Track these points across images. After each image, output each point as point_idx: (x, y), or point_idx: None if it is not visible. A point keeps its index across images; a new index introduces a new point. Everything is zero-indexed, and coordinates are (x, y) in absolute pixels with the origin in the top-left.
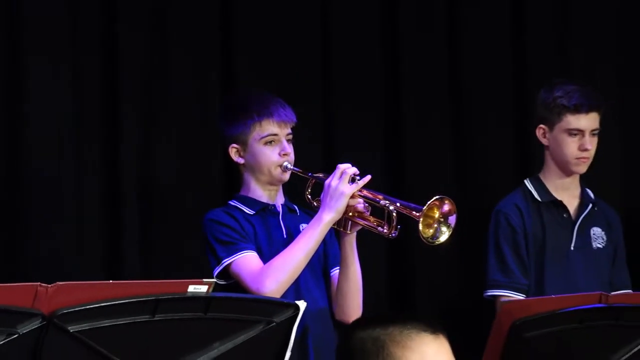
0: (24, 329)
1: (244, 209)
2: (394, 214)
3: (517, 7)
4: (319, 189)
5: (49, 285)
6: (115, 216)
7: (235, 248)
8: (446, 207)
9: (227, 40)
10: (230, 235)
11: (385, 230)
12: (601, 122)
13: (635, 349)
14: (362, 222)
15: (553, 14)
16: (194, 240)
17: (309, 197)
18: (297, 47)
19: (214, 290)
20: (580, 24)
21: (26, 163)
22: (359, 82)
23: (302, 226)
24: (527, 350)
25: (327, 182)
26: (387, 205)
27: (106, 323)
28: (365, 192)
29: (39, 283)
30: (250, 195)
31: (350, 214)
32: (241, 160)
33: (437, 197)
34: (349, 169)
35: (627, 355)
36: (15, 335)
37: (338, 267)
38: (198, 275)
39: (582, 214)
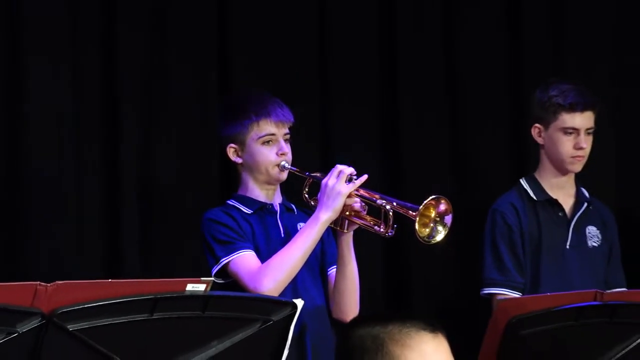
0: (24, 327)
1: (242, 209)
2: (391, 213)
3: (513, 7)
4: (316, 188)
5: (49, 284)
6: (115, 216)
7: (233, 247)
8: (442, 207)
9: (224, 41)
10: (229, 234)
11: (381, 230)
12: (596, 121)
13: (630, 346)
14: (358, 221)
15: (548, 15)
16: (193, 240)
17: (307, 196)
18: (294, 48)
19: (212, 289)
20: (575, 24)
21: (26, 163)
22: (355, 82)
23: (300, 225)
24: (523, 348)
25: (324, 181)
26: (384, 204)
27: (105, 322)
28: (362, 192)
29: (38, 282)
30: (248, 194)
31: (347, 213)
32: (239, 160)
33: (433, 196)
34: (346, 168)
35: (622, 353)
36: (15, 334)
37: (335, 266)
38: (197, 274)
39: (577, 213)
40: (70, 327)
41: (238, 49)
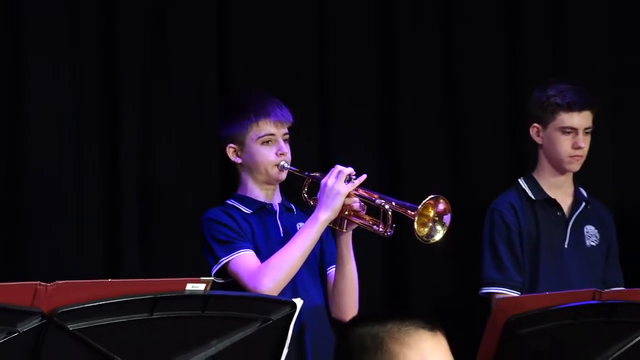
0: (24, 327)
1: (241, 208)
2: (390, 213)
3: (511, 7)
4: (315, 188)
5: (49, 284)
6: (115, 216)
7: (233, 247)
8: (441, 206)
9: (224, 41)
10: (228, 234)
11: (380, 229)
12: (594, 121)
13: (628, 345)
14: (358, 220)
15: (547, 15)
16: (193, 240)
17: (306, 196)
18: (294, 48)
19: (211, 289)
20: (573, 24)
21: (26, 163)
22: (355, 83)
23: (299, 225)
24: (521, 347)
25: (323, 181)
26: (383, 204)
27: (105, 321)
28: (361, 191)
29: (38, 282)
30: (248, 194)
31: (346, 212)
32: (238, 160)
33: (432, 196)
34: (345, 168)
35: (620, 352)
36: (15, 334)
37: (334, 266)
38: (197, 274)
39: (575, 212)
40: (70, 327)
41: (238, 49)
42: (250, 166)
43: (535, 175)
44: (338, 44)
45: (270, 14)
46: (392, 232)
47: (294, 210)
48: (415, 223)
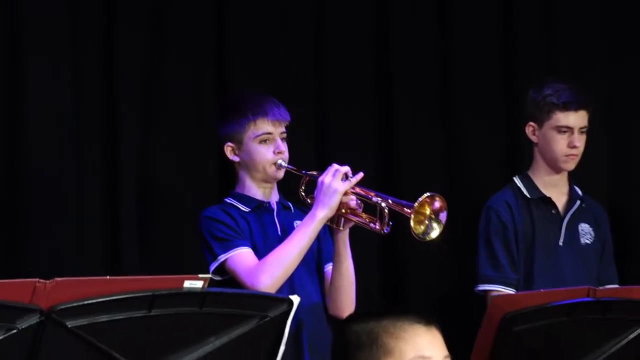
0: (23, 324)
1: (239, 207)
2: (386, 211)
3: (506, 7)
4: (312, 186)
5: (47, 281)
6: (115, 216)
7: (231, 244)
8: (437, 204)
9: (223, 41)
10: (226, 232)
11: (377, 227)
12: (589, 120)
13: (623, 342)
14: (354, 218)
15: (541, 15)
16: (193, 240)
17: (303, 194)
18: (291, 48)
19: (209, 286)
20: (567, 24)
21: (26, 163)
22: (351, 83)
23: (296, 223)
24: (516, 344)
25: (320, 179)
26: (379, 202)
27: (104, 318)
28: (357, 189)
29: (37, 279)
30: (246, 192)
31: (343, 210)
32: (236, 159)
33: (428, 194)
34: (341, 167)
35: (614, 348)
36: (14, 331)
37: (331, 263)
38: (197, 274)
39: (570, 210)
40: (69, 324)
41: (235, 50)
42: (248, 164)
43: (530, 173)
44: (335, 44)
45: (268, 15)
46: (388, 229)
47: (292, 208)
48: (412, 221)
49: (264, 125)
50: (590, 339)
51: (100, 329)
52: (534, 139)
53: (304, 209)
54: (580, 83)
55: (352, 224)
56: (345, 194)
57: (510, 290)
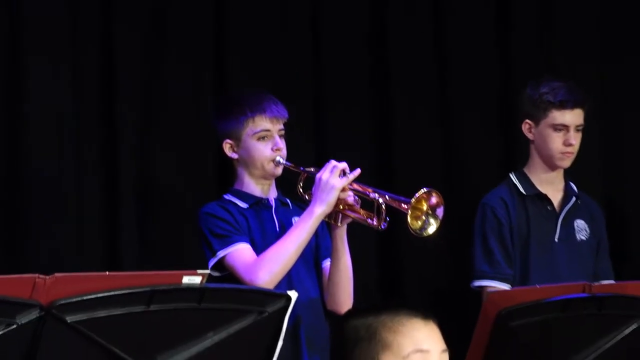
0: (23, 319)
1: (238, 203)
2: (383, 207)
3: (503, 6)
4: (310, 183)
5: (47, 277)
6: (115, 216)
7: (229, 240)
8: (434, 200)
9: (222, 41)
10: (225, 228)
11: (374, 223)
12: (585, 118)
13: (618, 338)
14: (352, 214)
15: (538, 13)
16: (193, 239)
17: (301, 190)
18: (289, 47)
19: (207, 282)
20: (563, 22)
21: (26, 163)
22: (349, 80)
23: (295, 219)
24: (512, 339)
25: (318, 175)
26: (377, 198)
27: (103, 313)
28: (355, 186)
29: (37, 274)
30: (244, 189)
31: (341, 206)
32: (235, 156)
33: (425, 189)
34: (339, 163)
35: (609, 344)
36: (14, 326)
37: (329, 259)
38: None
39: (566, 207)
40: (69, 319)
41: (234, 49)
42: (247, 161)
43: (526, 170)
44: (332, 43)
45: (266, 15)
46: (386, 225)
47: (290, 204)
48: (409, 216)
49: (262, 122)
50: (585, 334)
51: (100, 324)
52: (530, 136)
53: (302, 206)
54: (576, 81)
55: (349, 219)
56: (343, 190)
57: (505, 286)
